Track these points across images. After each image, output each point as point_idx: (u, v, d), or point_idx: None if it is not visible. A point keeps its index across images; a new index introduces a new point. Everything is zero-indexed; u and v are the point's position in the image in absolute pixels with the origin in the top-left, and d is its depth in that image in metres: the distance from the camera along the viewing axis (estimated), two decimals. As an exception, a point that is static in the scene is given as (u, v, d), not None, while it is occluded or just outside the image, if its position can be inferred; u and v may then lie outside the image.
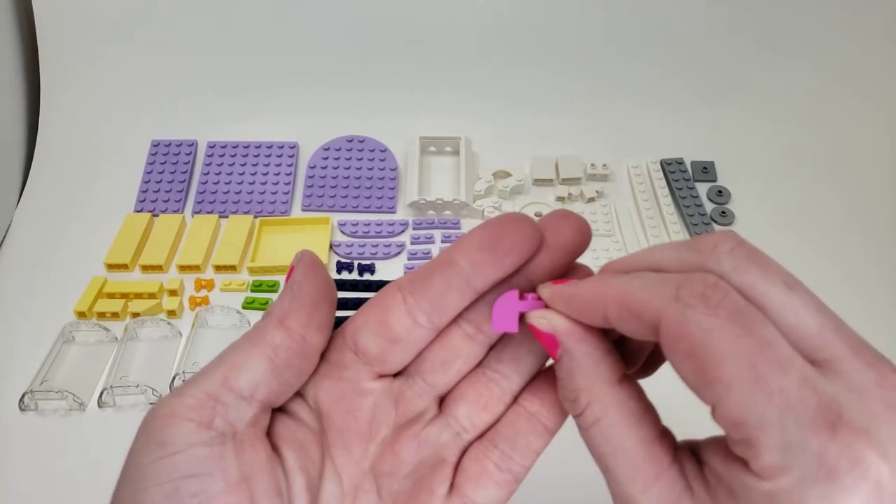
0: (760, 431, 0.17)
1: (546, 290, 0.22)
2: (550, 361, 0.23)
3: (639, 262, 0.21)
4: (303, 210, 0.63)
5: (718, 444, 0.19)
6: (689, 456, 0.20)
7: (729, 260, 0.19)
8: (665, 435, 0.21)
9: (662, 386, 0.23)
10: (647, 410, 0.21)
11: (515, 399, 0.24)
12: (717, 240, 0.20)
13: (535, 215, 0.62)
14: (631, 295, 0.19)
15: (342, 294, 0.55)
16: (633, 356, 0.23)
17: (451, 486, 0.23)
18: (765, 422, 0.17)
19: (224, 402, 0.20)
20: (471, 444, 0.24)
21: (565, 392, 0.22)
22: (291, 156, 0.66)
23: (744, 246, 0.20)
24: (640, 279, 0.20)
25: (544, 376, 0.24)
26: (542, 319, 0.21)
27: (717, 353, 0.17)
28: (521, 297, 0.22)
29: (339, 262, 0.57)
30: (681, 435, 0.22)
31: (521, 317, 0.21)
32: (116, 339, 0.50)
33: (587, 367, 0.21)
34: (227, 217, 0.61)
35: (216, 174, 0.64)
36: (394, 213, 0.63)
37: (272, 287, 0.55)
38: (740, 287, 0.19)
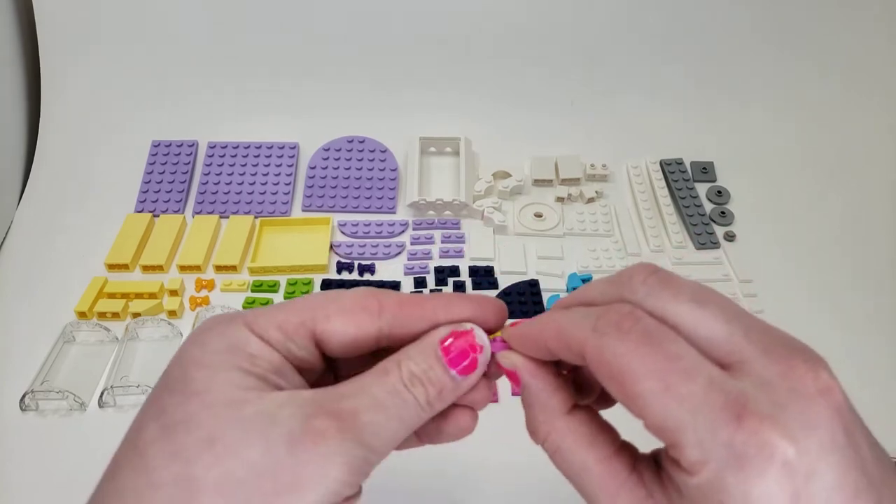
0: (679, 433, 0.19)
1: (506, 333, 0.25)
2: None
3: (576, 298, 0.24)
4: (303, 210, 0.63)
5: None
6: (650, 464, 0.23)
7: (643, 288, 0.22)
8: (623, 449, 0.23)
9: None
10: (602, 431, 0.24)
11: None
12: (632, 272, 0.22)
13: (536, 216, 0.62)
14: (562, 329, 0.22)
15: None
16: (587, 387, 0.26)
17: None
18: (681, 424, 0.19)
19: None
20: None
21: (529, 425, 0.25)
22: (292, 156, 0.66)
23: (657, 274, 0.22)
24: (571, 314, 0.22)
25: None
26: (505, 359, 0.25)
27: (632, 372, 0.20)
28: (492, 339, 0.26)
29: (339, 263, 0.57)
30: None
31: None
32: (117, 339, 0.50)
33: (542, 400, 0.24)
34: (227, 217, 0.61)
35: (217, 174, 0.64)
36: (394, 213, 0.63)
37: (272, 287, 0.55)
38: (653, 311, 0.21)
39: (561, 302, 0.25)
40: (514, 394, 0.47)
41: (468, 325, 0.25)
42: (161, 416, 0.23)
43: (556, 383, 0.24)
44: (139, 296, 0.53)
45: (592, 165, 0.66)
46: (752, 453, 0.18)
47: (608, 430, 0.24)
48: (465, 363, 0.24)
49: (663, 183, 0.65)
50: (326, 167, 0.65)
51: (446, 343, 0.24)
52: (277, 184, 0.64)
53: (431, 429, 0.27)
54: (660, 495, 0.22)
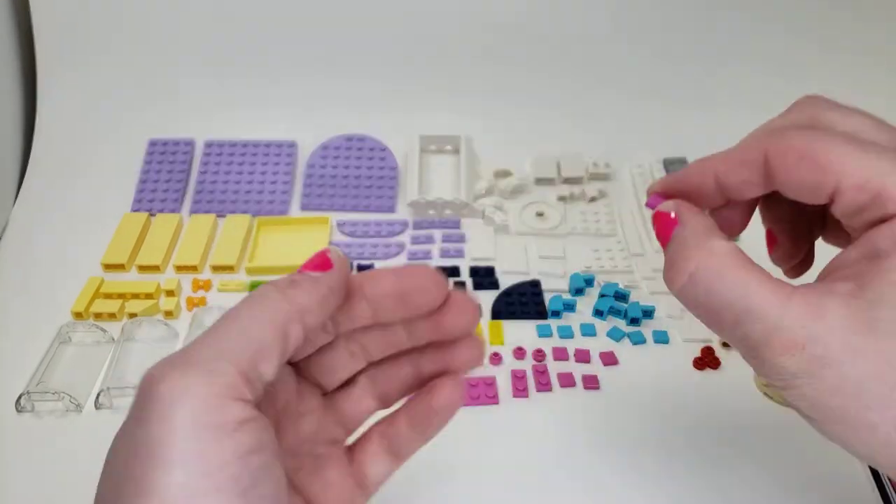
0: (884, 179, 0.23)
1: (661, 183, 0.30)
2: None
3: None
4: (301, 210, 0.62)
5: (847, 241, 0.26)
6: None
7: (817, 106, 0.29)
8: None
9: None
10: (750, 261, 0.26)
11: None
12: (801, 102, 0.31)
13: (537, 215, 0.62)
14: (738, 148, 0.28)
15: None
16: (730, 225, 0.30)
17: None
18: (884, 171, 0.24)
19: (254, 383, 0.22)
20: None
21: (676, 264, 0.26)
22: (290, 155, 0.65)
23: (821, 99, 0.30)
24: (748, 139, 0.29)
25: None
26: (663, 206, 0.28)
27: (831, 145, 0.25)
28: (650, 195, 0.30)
29: (338, 262, 0.57)
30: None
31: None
32: (113, 339, 0.50)
33: (695, 226, 0.27)
34: (224, 217, 0.61)
35: (214, 173, 0.64)
36: (393, 212, 0.62)
37: (271, 287, 0.54)
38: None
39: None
40: (514, 396, 0.46)
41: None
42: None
43: (709, 220, 0.28)
44: (136, 296, 0.52)
45: (595, 164, 0.65)
46: None
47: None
48: (316, 262, 0.26)
49: (666, 182, 0.65)
50: (325, 166, 0.65)
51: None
52: (275, 183, 0.63)
53: (420, 408, 0.27)
54: (838, 292, 0.24)
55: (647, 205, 0.30)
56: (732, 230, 0.30)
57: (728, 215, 0.30)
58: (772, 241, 0.30)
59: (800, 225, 0.30)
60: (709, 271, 0.25)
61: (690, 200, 0.28)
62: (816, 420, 0.24)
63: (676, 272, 0.26)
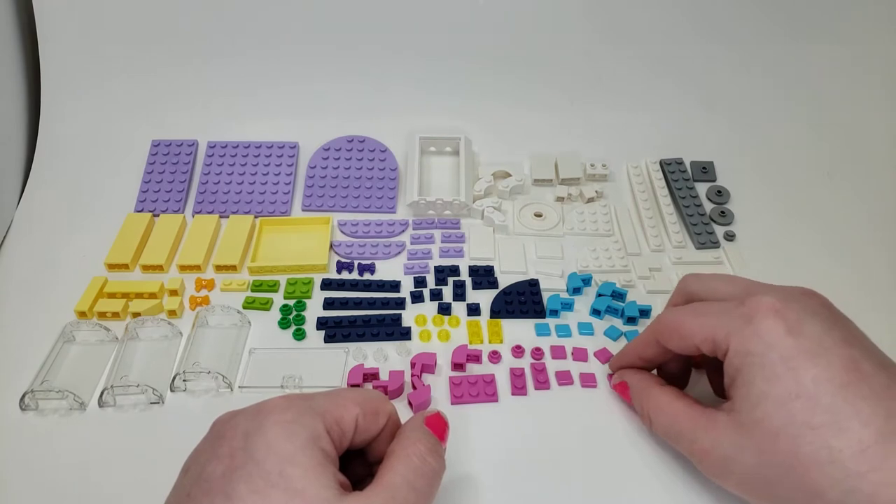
0: (713, 332, 0.36)
1: (612, 365, 0.47)
2: None
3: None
4: (303, 210, 0.63)
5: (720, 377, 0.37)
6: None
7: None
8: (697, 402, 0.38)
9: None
10: (683, 395, 0.39)
11: None
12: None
13: (536, 215, 0.62)
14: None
15: (342, 294, 0.55)
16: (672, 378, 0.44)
17: None
18: (712, 326, 0.36)
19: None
20: None
21: (640, 414, 0.42)
22: (292, 156, 0.66)
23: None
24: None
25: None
26: (615, 379, 0.45)
27: (686, 325, 0.38)
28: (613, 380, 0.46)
29: (339, 262, 0.57)
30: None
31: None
32: (117, 338, 0.50)
33: (642, 387, 0.42)
34: (227, 217, 0.61)
35: (216, 174, 0.64)
36: (394, 213, 0.63)
37: (272, 287, 0.55)
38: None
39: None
40: (513, 394, 0.47)
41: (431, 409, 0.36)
42: None
43: (649, 376, 0.43)
44: (139, 295, 0.53)
45: (592, 165, 0.66)
46: (753, 311, 0.34)
47: (687, 396, 0.39)
48: (437, 428, 0.35)
49: (663, 182, 0.65)
50: (326, 167, 0.65)
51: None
52: (277, 183, 0.64)
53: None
54: (724, 409, 0.35)
55: (609, 379, 0.47)
56: (681, 380, 0.44)
57: (670, 369, 0.43)
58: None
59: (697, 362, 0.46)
60: (652, 410, 0.40)
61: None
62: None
63: (642, 417, 0.41)
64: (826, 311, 0.35)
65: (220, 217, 0.61)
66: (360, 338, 0.51)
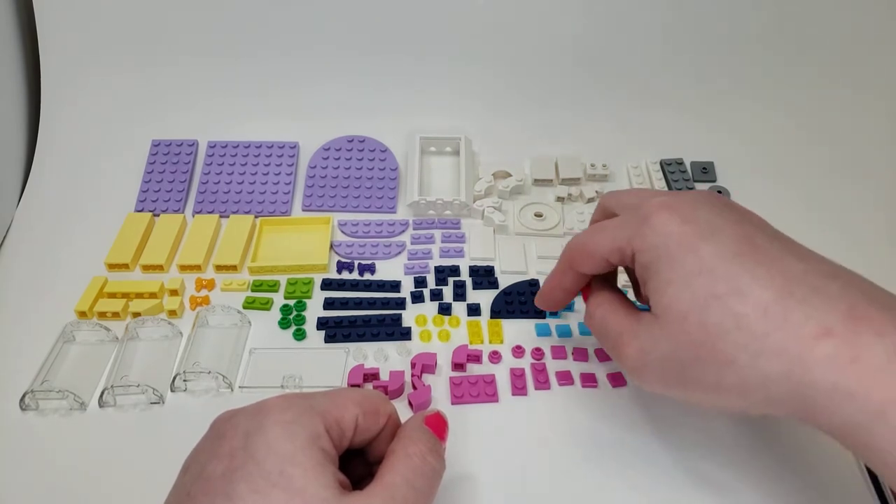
0: (621, 241, 0.37)
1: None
2: None
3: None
4: (303, 210, 0.63)
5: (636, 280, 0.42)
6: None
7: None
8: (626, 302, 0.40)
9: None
10: (627, 301, 0.40)
11: None
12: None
13: (536, 215, 0.62)
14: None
15: (342, 294, 0.55)
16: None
17: None
18: (619, 236, 0.37)
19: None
20: None
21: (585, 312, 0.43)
22: (292, 156, 0.66)
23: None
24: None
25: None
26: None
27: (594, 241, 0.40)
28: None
29: (339, 262, 0.57)
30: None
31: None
32: (117, 338, 0.50)
33: (594, 287, 0.42)
34: (227, 217, 0.61)
35: (217, 174, 0.64)
36: (394, 213, 0.63)
37: (272, 287, 0.55)
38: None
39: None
40: (513, 394, 0.47)
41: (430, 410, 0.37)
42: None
43: (606, 281, 0.43)
44: (139, 295, 0.53)
45: (593, 165, 0.66)
46: (648, 212, 0.35)
47: (629, 302, 0.40)
48: (437, 428, 0.35)
49: (663, 183, 0.65)
50: (326, 167, 0.65)
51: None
52: (278, 183, 0.64)
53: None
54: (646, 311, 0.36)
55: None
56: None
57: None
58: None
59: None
60: (591, 304, 0.41)
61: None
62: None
63: (585, 314, 0.42)
64: (719, 201, 0.37)
65: (221, 217, 0.61)
66: (361, 338, 0.51)
